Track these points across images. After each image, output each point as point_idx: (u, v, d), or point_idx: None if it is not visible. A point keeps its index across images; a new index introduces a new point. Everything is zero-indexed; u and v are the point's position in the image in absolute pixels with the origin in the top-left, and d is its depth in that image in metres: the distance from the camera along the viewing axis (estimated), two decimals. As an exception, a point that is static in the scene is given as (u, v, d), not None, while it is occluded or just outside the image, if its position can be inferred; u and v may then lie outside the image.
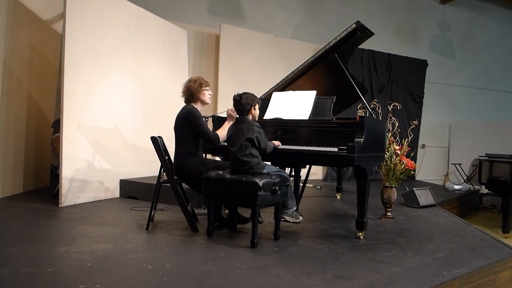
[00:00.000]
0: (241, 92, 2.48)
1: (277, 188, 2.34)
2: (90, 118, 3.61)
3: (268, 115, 2.92)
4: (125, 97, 4.07)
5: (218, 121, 3.06)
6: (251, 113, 2.47)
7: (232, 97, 2.49)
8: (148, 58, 4.37)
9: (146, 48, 4.32)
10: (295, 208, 2.69)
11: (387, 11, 6.66)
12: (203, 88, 2.68)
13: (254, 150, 2.39)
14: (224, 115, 2.91)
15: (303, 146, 2.61)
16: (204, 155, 2.97)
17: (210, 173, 2.45)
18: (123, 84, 4.05)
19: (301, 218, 2.73)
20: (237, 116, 2.53)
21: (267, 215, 3.13)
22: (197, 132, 2.57)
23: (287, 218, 2.58)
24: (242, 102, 2.44)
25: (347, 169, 5.79)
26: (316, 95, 2.80)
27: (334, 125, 2.54)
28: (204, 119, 2.71)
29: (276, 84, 3.28)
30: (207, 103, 2.73)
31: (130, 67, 4.13)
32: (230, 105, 2.61)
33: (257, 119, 2.50)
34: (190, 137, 2.58)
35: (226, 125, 2.66)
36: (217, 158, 3.30)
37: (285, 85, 3.27)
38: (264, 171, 2.41)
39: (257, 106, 2.48)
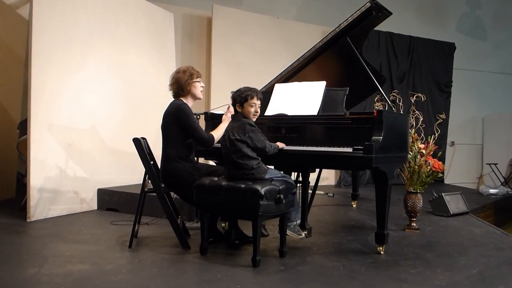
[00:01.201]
0: (241, 88, 2.53)
1: (282, 196, 2.34)
2: (62, 117, 3.60)
3: (269, 111, 2.91)
4: (103, 92, 4.06)
5: (212, 119, 3.07)
6: (241, 110, 2.48)
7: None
8: (129, 46, 4.37)
9: (126, 34, 4.32)
10: (298, 221, 2.69)
11: (407, -13, 6.69)
12: (194, 80, 2.67)
13: (250, 151, 2.40)
14: (220, 111, 2.91)
15: (312, 146, 2.61)
16: (196, 158, 2.96)
17: (203, 179, 2.45)
18: (100, 77, 4.04)
19: (303, 234, 2.73)
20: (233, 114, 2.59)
21: (270, 227, 3.11)
22: (188, 132, 2.57)
23: (288, 232, 2.58)
24: (232, 98, 2.52)
25: (363, 172, 5.78)
26: (326, 86, 2.81)
27: (348, 121, 2.54)
28: (195, 116, 2.70)
29: (279, 74, 3.29)
30: (199, 98, 2.74)
31: (108, 56, 4.12)
32: (224, 99, 2.61)
33: (251, 116, 2.51)
34: (179, 137, 2.58)
35: (222, 127, 2.67)
36: (211, 163, 3.31)
37: (290, 75, 3.28)
38: (267, 176, 2.42)
39: (253, 101, 2.48)
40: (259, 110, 2.54)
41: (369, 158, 2.35)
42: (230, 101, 2.59)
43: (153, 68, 4.66)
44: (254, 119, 2.52)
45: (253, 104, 2.49)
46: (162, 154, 2.65)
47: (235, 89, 2.56)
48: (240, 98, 2.49)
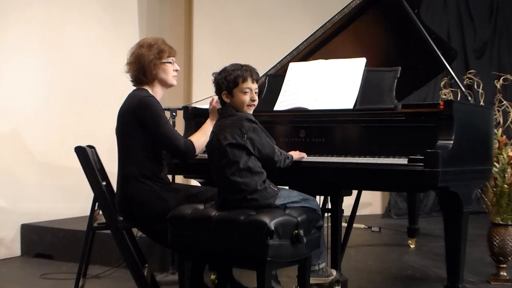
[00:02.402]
0: (227, 66, 2.51)
1: (301, 232, 2.33)
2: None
3: (281, 104, 2.92)
4: (29, 78, 4.05)
5: (196, 117, 3.07)
6: (230, 100, 2.47)
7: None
8: (69, 8, 4.36)
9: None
10: (323, 264, 2.69)
11: None
12: (163, 60, 2.68)
13: (252, 161, 2.39)
14: (206, 105, 2.92)
15: (346, 156, 2.61)
16: (170, 177, 2.95)
17: (182, 208, 2.44)
18: (26, 56, 4.04)
19: (334, 273, 2.74)
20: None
21: (285, 280, 3.04)
22: (157, 138, 2.59)
23: (312, 280, 2.58)
24: (214, 83, 2.51)
25: (425, 196, 5.75)
26: (367, 65, 2.81)
27: (400, 117, 2.55)
28: (170, 117, 2.72)
29: (295, 49, 3.27)
30: (172, 85, 2.76)
31: (37, 24, 4.12)
32: (212, 85, 2.60)
33: (245, 108, 2.48)
34: (144, 146, 2.59)
35: (209, 127, 2.67)
36: (194, 182, 3.31)
37: (311, 50, 3.28)
38: (278, 201, 2.40)
39: (246, 84, 2.46)
40: (256, 97, 2.53)
41: (434, 173, 2.32)
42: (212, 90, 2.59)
43: (105, 42, 4.66)
44: (251, 111, 2.53)
45: (247, 90, 2.47)
46: (118, 171, 2.64)
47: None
48: (227, 82, 2.46)
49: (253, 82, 2.48)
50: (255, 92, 2.49)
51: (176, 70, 2.75)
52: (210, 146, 2.49)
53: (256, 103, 2.50)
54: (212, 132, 2.51)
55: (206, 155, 2.56)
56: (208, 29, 5.29)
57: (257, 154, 2.39)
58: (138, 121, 2.57)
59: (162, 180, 2.63)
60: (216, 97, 2.62)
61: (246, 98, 2.46)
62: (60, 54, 4.31)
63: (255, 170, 2.38)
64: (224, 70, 2.49)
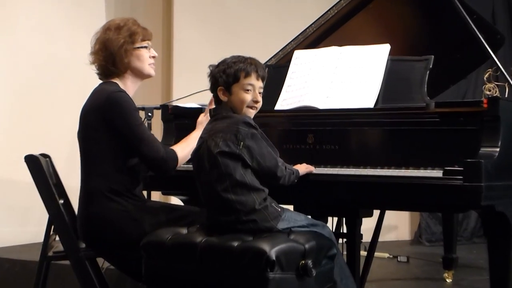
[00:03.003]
0: (228, 58, 2.54)
1: (310, 263, 2.33)
2: None
3: (284, 102, 2.95)
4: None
5: (178, 118, 3.09)
6: (228, 99, 2.50)
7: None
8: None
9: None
10: None
11: None
12: (136, 44, 2.70)
13: (249, 175, 2.40)
14: (190, 104, 2.91)
15: (365, 168, 2.61)
16: (146, 194, 2.97)
17: (160, 233, 2.44)
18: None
19: None
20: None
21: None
22: (130, 144, 2.60)
23: None
24: (210, 77, 2.54)
25: (464, 217, 5.74)
26: (391, 53, 2.82)
27: (433, 118, 2.56)
28: (145, 118, 2.71)
29: (302, 33, 3.28)
30: (149, 75, 2.77)
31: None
32: (200, 79, 2.60)
33: (245, 109, 2.50)
34: (113, 154, 2.61)
35: (194, 138, 2.66)
36: (175, 200, 3.31)
37: (320, 35, 3.29)
38: (281, 225, 2.41)
39: (248, 80, 2.48)
40: (260, 99, 2.55)
41: (476, 189, 2.29)
42: (205, 85, 2.59)
43: (64, 23, 4.66)
44: (252, 116, 2.54)
45: (249, 87, 2.49)
46: (81, 186, 2.65)
47: (216, 61, 2.56)
48: (226, 76, 2.49)
49: (257, 79, 2.50)
50: (259, 92, 2.51)
51: (153, 57, 2.76)
52: (197, 154, 2.49)
53: (259, 105, 2.52)
54: (201, 137, 2.51)
55: (191, 165, 2.57)
56: (192, 8, 5.30)
57: (255, 167, 2.39)
58: (106, 123, 2.57)
59: (136, 197, 2.63)
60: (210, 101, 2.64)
61: (247, 97, 2.48)
62: (4, 39, 4.31)
63: (253, 186, 2.38)
64: (224, 62, 2.52)
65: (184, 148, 2.65)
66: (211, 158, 2.40)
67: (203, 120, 2.73)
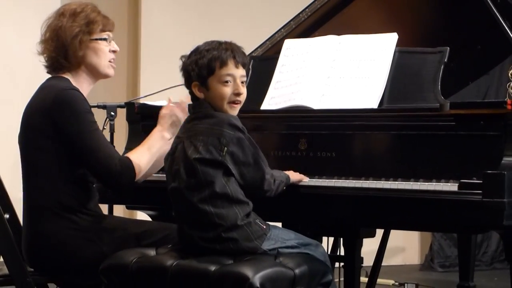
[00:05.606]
0: (200, 45, 2.54)
1: (300, 291, 2.33)
2: None
3: (272, 100, 2.96)
4: None
5: (145, 119, 3.12)
6: (205, 95, 2.50)
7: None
8: None
9: None
10: None
11: None
12: (94, 35, 2.72)
13: (232, 185, 2.41)
14: (160, 101, 2.92)
15: (367, 179, 2.63)
16: (107, 208, 2.96)
17: (123, 255, 2.45)
18: None
19: None
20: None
21: None
22: (79, 153, 2.59)
23: None
24: (182, 70, 2.56)
25: (484, 238, 5.81)
26: (399, 43, 2.83)
27: (448, 121, 2.57)
28: (107, 118, 2.70)
29: (293, 19, 3.30)
30: (106, 75, 2.78)
31: None
32: (173, 74, 2.60)
33: (224, 106, 2.50)
34: (62, 163, 2.61)
35: (156, 139, 2.67)
36: (141, 215, 3.29)
37: (315, 21, 3.32)
38: (266, 245, 2.43)
39: (226, 70, 2.48)
40: (243, 90, 2.54)
41: (497, 205, 2.30)
42: (178, 80, 2.61)
43: (9, 7, 4.73)
44: (236, 112, 2.53)
45: (227, 79, 2.48)
46: (24, 200, 2.65)
47: (188, 51, 2.55)
48: (198, 68, 2.48)
49: (237, 67, 2.50)
50: (242, 82, 2.50)
51: (114, 52, 2.76)
52: (171, 158, 2.48)
53: (242, 98, 2.52)
54: (177, 137, 2.51)
55: (160, 175, 2.57)
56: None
57: (238, 177, 2.39)
58: (52, 126, 2.57)
59: (91, 213, 2.65)
60: (185, 102, 2.62)
61: (227, 90, 2.48)
62: None
63: (235, 198, 2.39)
64: (196, 50, 2.52)
65: (143, 154, 2.64)
66: (187, 164, 2.41)
67: (167, 116, 2.72)
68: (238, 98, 2.48)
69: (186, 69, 2.51)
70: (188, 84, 2.51)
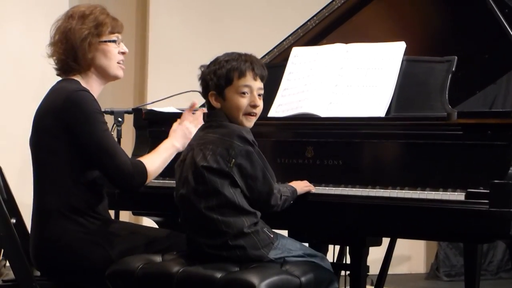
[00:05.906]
0: (220, 56, 2.54)
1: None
2: None
3: (279, 108, 2.97)
4: None
5: (152, 125, 3.11)
6: (221, 105, 2.50)
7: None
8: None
9: None
10: None
11: None
12: (103, 38, 2.71)
13: (239, 195, 2.42)
14: (168, 108, 2.92)
15: (373, 188, 2.62)
16: (113, 214, 2.95)
17: (130, 260, 2.45)
18: None
19: None
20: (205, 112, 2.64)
21: None
22: (92, 155, 2.60)
23: None
24: (201, 80, 2.56)
25: (490, 248, 5.84)
26: (407, 52, 2.83)
27: (456, 130, 2.56)
28: (114, 123, 2.71)
29: (300, 28, 3.31)
30: (116, 76, 2.78)
31: None
32: (183, 79, 2.58)
33: (239, 118, 2.50)
34: (73, 166, 2.60)
35: (168, 147, 2.70)
36: (148, 222, 3.30)
37: (323, 29, 3.33)
38: (273, 253, 2.43)
39: (244, 81, 2.49)
40: (260, 103, 2.55)
41: (504, 215, 2.31)
42: (195, 86, 2.60)
43: (19, 9, 4.71)
44: (251, 124, 2.54)
45: (245, 90, 2.49)
46: (34, 203, 2.64)
47: (207, 61, 2.55)
48: (217, 78, 2.49)
49: (255, 79, 2.51)
50: (259, 95, 2.51)
51: (123, 53, 2.76)
52: (181, 164, 2.49)
53: (258, 110, 2.53)
54: (189, 144, 2.52)
55: (167, 181, 2.57)
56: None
57: (245, 190, 2.40)
58: (64, 128, 2.56)
59: (100, 217, 2.63)
60: (196, 103, 2.62)
61: (243, 101, 2.49)
62: None
63: (243, 208, 2.38)
64: (215, 61, 2.53)
65: (155, 160, 2.65)
66: (196, 171, 2.41)
67: (178, 129, 2.74)
68: (254, 110, 2.49)
69: (204, 79, 2.51)
70: (205, 93, 2.52)
